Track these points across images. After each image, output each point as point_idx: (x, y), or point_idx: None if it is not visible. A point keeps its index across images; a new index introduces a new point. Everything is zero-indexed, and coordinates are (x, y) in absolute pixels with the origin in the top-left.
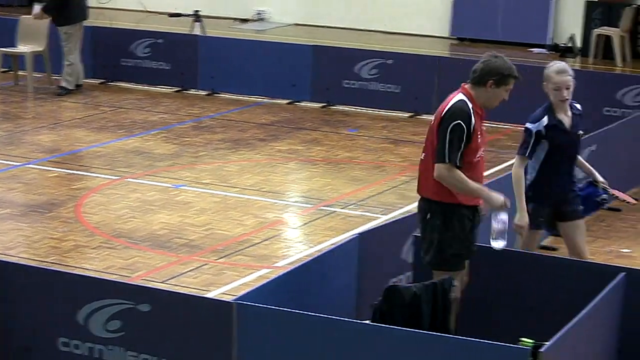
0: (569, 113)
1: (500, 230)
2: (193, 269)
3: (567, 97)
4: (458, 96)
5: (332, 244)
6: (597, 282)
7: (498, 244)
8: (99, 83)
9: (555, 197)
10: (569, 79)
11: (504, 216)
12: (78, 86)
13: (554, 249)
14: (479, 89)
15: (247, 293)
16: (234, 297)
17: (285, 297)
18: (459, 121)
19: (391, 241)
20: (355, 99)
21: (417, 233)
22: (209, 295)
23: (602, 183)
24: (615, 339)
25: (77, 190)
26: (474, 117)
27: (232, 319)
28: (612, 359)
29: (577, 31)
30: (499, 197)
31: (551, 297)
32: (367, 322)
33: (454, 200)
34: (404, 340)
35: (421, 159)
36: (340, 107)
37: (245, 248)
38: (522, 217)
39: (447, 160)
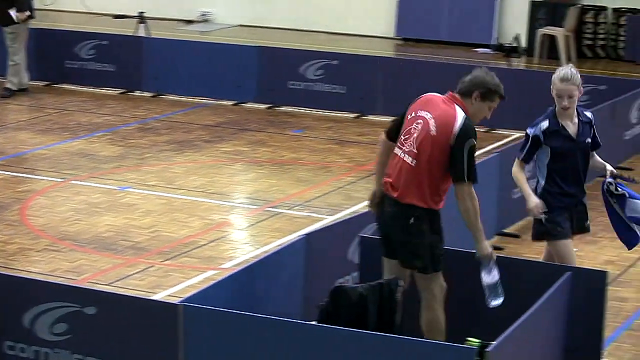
0: (575, 120)
1: (493, 285)
2: (139, 271)
3: (567, 106)
4: (459, 112)
5: (278, 245)
6: (543, 281)
7: (497, 301)
8: (43, 85)
9: (567, 203)
10: (572, 88)
11: (494, 270)
12: (22, 90)
13: (500, 249)
14: (465, 100)
15: (194, 295)
16: (180, 299)
17: (232, 298)
18: (473, 140)
19: (337, 242)
20: (300, 100)
21: (364, 234)
22: (155, 297)
23: (611, 172)
24: (562, 338)
25: (21, 193)
26: None
27: (178, 321)
28: (558, 357)
29: (522, 31)
30: (488, 247)
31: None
32: (313, 322)
33: (437, 207)
34: (351, 341)
35: (410, 166)
36: (286, 108)
37: (192, 250)
38: (530, 201)
39: (467, 180)
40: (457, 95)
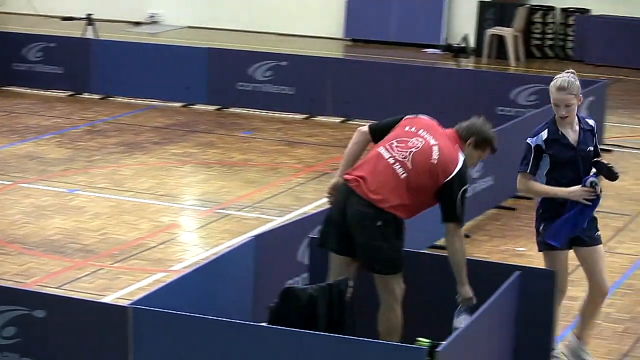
0: (576, 128)
1: (458, 328)
2: (88, 274)
3: (565, 115)
4: (462, 154)
5: (228, 247)
6: (492, 280)
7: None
8: None
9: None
10: (568, 97)
11: (467, 318)
12: None
13: None
14: (461, 143)
15: (143, 297)
16: (130, 302)
17: (182, 300)
18: (468, 185)
19: (287, 243)
20: (249, 101)
21: (313, 234)
22: (105, 300)
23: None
24: (511, 337)
25: None
26: None
27: (128, 324)
28: (508, 356)
29: (471, 31)
30: (470, 291)
31: (448, 296)
32: (263, 324)
33: (405, 217)
34: (301, 342)
35: (398, 176)
36: (235, 110)
37: (141, 252)
38: (573, 192)
39: (458, 221)
40: (457, 137)
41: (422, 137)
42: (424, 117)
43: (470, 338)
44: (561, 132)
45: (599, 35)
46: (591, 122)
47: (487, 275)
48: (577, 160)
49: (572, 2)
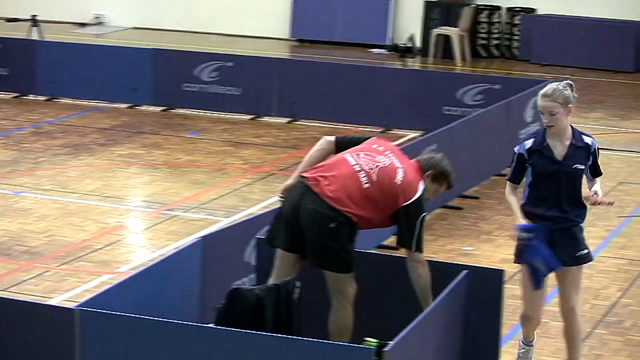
0: (566, 142)
1: None
2: (34, 276)
3: (549, 124)
4: (421, 185)
5: (174, 248)
6: (440, 280)
7: None
8: None
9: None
10: (551, 105)
11: None
12: None
13: (396, 249)
14: (422, 175)
15: (90, 299)
16: (77, 304)
17: (128, 302)
18: (425, 213)
19: (234, 244)
20: (195, 102)
21: (261, 235)
22: (51, 302)
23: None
24: (459, 336)
25: None
26: None
27: (74, 326)
28: (456, 356)
29: (417, 31)
30: None
31: (395, 295)
32: (210, 325)
33: (356, 221)
34: (248, 343)
35: (361, 185)
36: (181, 111)
37: (87, 254)
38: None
39: (416, 250)
40: (419, 167)
41: (388, 157)
42: (390, 143)
43: (418, 337)
44: (547, 144)
45: (545, 34)
46: (588, 139)
47: (435, 275)
48: (560, 176)
49: (518, 2)
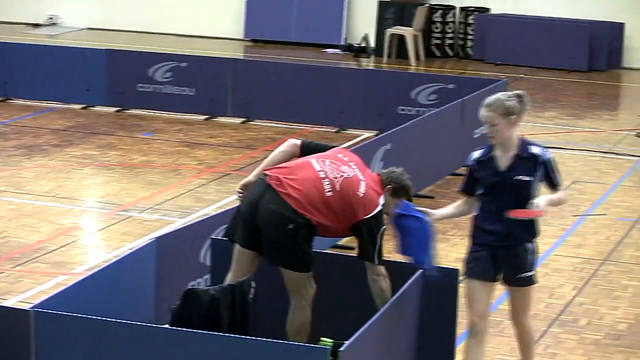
0: (511, 153)
1: None
2: None
3: (491, 135)
4: (382, 199)
5: (129, 249)
6: (396, 279)
7: None
8: None
9: (488, 242)
10: (490, 115)
11: None
12: None
13: (351, 248)
14: (382, 189)
15: (45, 300)
16: (31, 305)
17: (84, 303)
18: (385, 227)
19: (189, 245)
20: (150, 103)
21: (215, 236)
22: (6, 303)
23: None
24: (415, 335)
25: None
26: None
27: (29, 327)
28: (411, 355)
29: (371, 31)
30: None
31: (351, 295)
32: (166, 326)
33: (314, 222)
34: (203, 344)
35: (323, 192)
36: (135, 111)
37: (42, 255)
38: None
39: (382, 264)
40: (380, 182)
41: (352, 168)
42: (355, 155)
43: (374, 337)
44: (491, 155)
45: (499, 34)
46: (536, 149)
47: (391, 274)
48: (504, 188)
49: (472, 1)
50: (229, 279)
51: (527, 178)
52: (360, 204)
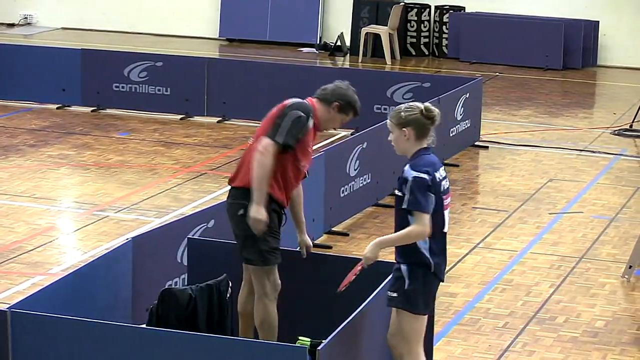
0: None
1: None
2: None
3: (393, 145)
4: (305, 101)
5: (106, 249)
6: (372, 278)
7: None
8: None
9: None
10: (388, 122)
11: None
12: None
13: (329, 247)
14: (323, 106)
15: (21, 301)
16: (8, 306)
17: (60, 303)
18: (302, 114)
19: (166, 244)
20: (125, 102)
21: (192, 235)
22: None
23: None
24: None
25: None
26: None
27: (6, 328)
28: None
29: (346, 30)
30: (256, 211)
31: (329, 294)
32: (143, 326)
33: (268, 190)
34: (180, 343)
35: (249, 145)
36: (111, 111)
37: (18, 255)
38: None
39: (275, 139)
40: (313, 99)
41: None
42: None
43: (352, 336)
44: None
45: (473, 32)
46: (406, 170)
47: (367, 273)
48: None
49: (447, 0)
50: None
51: (399, 193)
52: (274, 115)
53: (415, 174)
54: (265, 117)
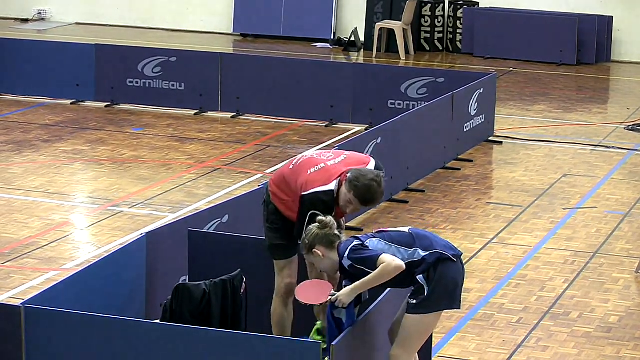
0: None
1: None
2: None
3: None
4: (330, 185)
5: (120, 244)
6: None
7: None
8: None
9: None
10: None
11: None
12: None
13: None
14: (345, 188)
15: (35, 296)
16: (22, 301)
17: (74, 299)
18: (316, 212)
19: (180, 240)
20: (139, 98)
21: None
22: None
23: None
24: None
25: None
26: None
27: (20, 323)
28: None
29: (360, 25)
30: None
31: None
32: (156, 321)
33: (271, 195)
34: (194, 339)
35: (288, 166)
36: (125, 106)
37: (32, 251)
38: None
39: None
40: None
41: (329, 155)
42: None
43: (366, 332)
44: None
45: (487, 27)
46: (343, 263)
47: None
48: None
49: None
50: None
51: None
52: (304, 179)
53: (346, 254)
54: (297, 165)
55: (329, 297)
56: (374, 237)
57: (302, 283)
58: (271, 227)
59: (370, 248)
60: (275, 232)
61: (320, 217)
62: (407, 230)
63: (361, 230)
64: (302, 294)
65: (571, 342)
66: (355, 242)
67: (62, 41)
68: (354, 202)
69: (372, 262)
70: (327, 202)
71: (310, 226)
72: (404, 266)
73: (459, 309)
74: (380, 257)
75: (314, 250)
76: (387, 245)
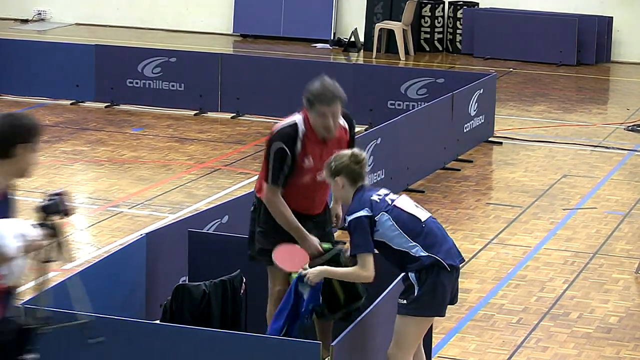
0: None
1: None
2: None
3: None
4: (291, 118)
5: (120, 245)
6: (388, 271)
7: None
8: None
9: None
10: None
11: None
12: None
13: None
14: (309, 112)
15: (35, 296)
16: (22, 301)
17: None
18: (280, 143)
19: (180, 240)
20: (139, 98)
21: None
22: None
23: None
24: None
25: None
26: (303, 140)
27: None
28: None
29: (360, 26)
30: (308, 244)
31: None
32: (156, 321)
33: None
34: (194, 339)
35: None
36: (125, 107)
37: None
38: None
39: (269, 183)
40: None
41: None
42: None
43: (367, 329)
44: None
45: (487, 28)
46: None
47: (383, 266)
48: None
49: None
50: None
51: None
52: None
53: (351, 217)
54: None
55: (300, 270)
56: (392, 210)
57: (285, 245)
58: (262, 230)
59: (367, 234)
60: (265, 236)
61: (356, 151)
62: (422, 219)
63: None
64: (279, 256)
65: (571, 342)
66: (366, 213)
67: (62, 42)
68: (320, 109)
69: (356, 247)
70: (292, 135)
71: (344, 152)
72: (372, 279)
73: (443, 316)
74: (364, 256)
75: (337, 177)
76: (394, 228)
